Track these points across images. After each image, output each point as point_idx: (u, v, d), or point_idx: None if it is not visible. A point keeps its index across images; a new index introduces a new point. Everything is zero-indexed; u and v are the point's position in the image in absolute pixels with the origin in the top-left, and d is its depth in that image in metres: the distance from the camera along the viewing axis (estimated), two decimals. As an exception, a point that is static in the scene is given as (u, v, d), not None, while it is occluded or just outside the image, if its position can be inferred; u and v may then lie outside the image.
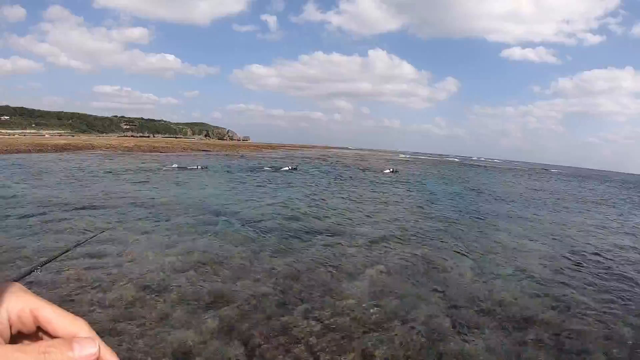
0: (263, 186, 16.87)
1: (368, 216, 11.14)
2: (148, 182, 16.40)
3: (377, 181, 23.14)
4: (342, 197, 14.56)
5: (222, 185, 16.38)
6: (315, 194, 15.02)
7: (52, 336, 0.37)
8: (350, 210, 11.89)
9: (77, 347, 0.33)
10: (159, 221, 9.09)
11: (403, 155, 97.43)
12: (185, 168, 23.23)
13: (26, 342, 0.37)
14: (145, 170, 21.43)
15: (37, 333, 0.37)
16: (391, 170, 30.18)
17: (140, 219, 9.31)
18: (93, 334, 0.38)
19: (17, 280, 0.34)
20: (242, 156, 44.07)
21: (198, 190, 14.43)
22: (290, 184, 17.95)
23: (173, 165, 23.81)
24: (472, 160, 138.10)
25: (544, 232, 11.21)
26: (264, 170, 25.91)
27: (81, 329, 0.37)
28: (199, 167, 23.65)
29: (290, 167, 27.15)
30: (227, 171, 23.68)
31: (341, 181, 21.41)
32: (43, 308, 0.37)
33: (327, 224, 9.80)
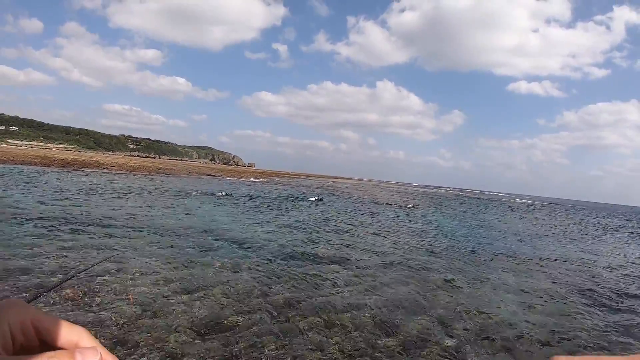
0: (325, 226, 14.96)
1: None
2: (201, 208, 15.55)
3: (412, 218, 22.22)
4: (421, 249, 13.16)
5: (272, 219, 15.11)
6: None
7: (54, 348, 0.37)
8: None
9: (79, 357, 0.33)
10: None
11: (404, 188, 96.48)
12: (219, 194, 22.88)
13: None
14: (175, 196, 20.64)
15: (40, 347, 0.37)
16: (411, 206, 31.22)
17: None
18: (95, 342, 0.37)
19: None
20: (253, 181, 43.48)
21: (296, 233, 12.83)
22: (345, 222, 16.53)
23: (220, 193, 23.34)
24: (469, 192, 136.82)
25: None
26: (293, 200, 25.49)
27: (82, 337, 0.37)
28: (223, 193, 23.39)
29: (316, 198, 27.38)
30: (251, 199, 22.79)
31: (381, 219, 20.07)
32: (44, 319, 0.37)
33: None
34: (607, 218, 47.94)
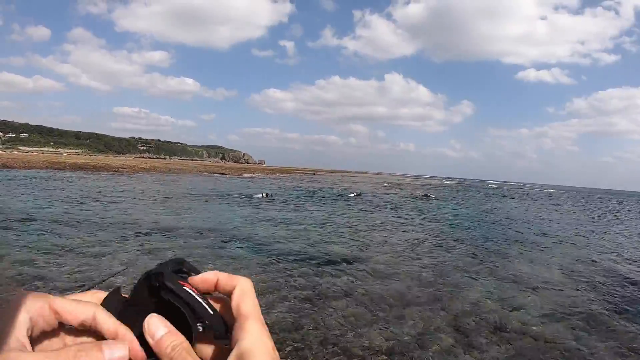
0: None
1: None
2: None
3: (444, 209, 21.33)
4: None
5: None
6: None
7: (72, 327, 0.38)
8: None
9: (107, 351, 0.33)
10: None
11: (401, 179, 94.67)
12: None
13: (46, 342, 0.37)
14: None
15: (58, 331, 0.38)
16: (429, 195, 33.21)
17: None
18: (108, 316, 0.38)
19: None
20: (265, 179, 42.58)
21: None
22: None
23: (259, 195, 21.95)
24: (481, 182, 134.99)
25: None
26: (335, 198, 25.15)
27: (97, 312, 0.38)
28: (263, 194, 21.82)
29: (355, 194, 27.85)
30: (294, 200, 21.49)
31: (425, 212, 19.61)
32: (59, 301, 0.37)
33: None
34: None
